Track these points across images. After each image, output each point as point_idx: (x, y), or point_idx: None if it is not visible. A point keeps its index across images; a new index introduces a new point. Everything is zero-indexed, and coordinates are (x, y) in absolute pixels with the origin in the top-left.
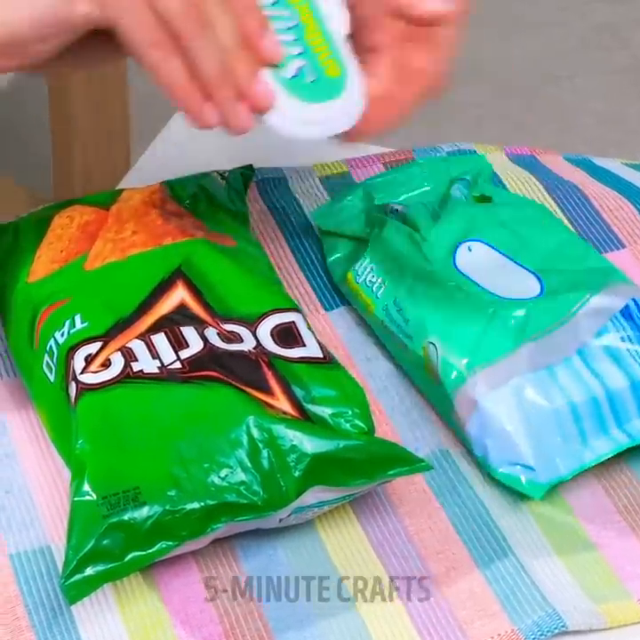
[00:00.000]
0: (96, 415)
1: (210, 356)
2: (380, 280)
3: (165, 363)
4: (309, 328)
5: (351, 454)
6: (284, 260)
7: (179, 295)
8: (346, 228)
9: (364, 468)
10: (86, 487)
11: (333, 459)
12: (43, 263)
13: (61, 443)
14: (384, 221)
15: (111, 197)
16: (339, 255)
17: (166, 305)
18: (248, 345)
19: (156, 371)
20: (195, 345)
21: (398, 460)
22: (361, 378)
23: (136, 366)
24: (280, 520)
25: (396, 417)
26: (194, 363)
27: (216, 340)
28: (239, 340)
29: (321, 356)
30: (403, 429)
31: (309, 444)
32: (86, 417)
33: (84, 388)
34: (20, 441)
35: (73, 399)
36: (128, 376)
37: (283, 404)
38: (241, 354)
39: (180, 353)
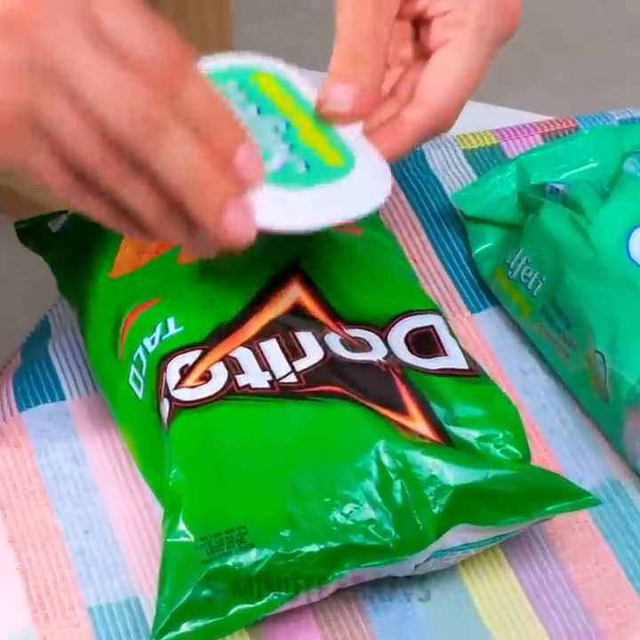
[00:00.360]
0: (194, 439)
1: (331, 368)
2: (536, 275)
3: (277, 376)
4: (452, 334)
5: (502, 486)
6: (420, 252)
7: (294, 294)
8: (495, 213)
9: (518, 502)
10: (182, 526)
11: (481, 492)
12: (129, 255)
13: (151, 472)
14: (541, 204)
15: None
16: (487, 246)
17: (279, 306)
18: (377, 354)
19: (267, 385)
20: (313, 354)
21: (559, 493)
22: (514, 394)
23: (242, 380)
24: (416, 566)
25: (556, 441)
26: (312, 376)
27: (339, 348)
28: (366, 347)
29: (466, 367)
30: (564, 456)
31: (451, 474)
32: (182, 441)
33: (179, 407)
34: (100, 471)
35: (165, 419)
36: (232, 392)
37: (419, 425)
38: (369, 365)
39: (294, 363)
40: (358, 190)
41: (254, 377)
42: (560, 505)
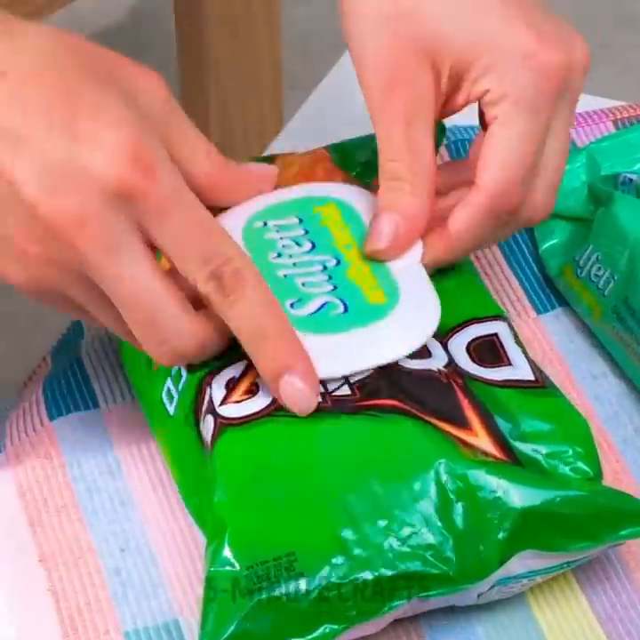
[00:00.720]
0: (239, 459)
1: (388, 378)
2: (607, 273)
3: (330, 387)
4: (518, 341)
5: (571, 509)
6: (483, 248)
7: None
8: (563, 207)
9: (588, 526)
10: (227, 553)
11: (548, 515)
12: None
13: (188, 494)
14: (612, 196)
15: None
16: (554, 242)
17: None
18: (438, 362)
19: (317, 399)
20: None
21: (633, 515)
22: (584, 401)
23: None
24: (479, 595)
25: (630, 452)
26: (367, 387)
27: None
28: (426, 354)
29: (532, 378)
30: (638, 468)
31: (517, 496)
32: (227, 461)
33: (225, 424)
34: (137, 484)
35: (210, 438)
36: (280, 407)
37: (483, 441)
38: (428, 374)
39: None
40: (395, 332)
41: None
42: (635, 529)
